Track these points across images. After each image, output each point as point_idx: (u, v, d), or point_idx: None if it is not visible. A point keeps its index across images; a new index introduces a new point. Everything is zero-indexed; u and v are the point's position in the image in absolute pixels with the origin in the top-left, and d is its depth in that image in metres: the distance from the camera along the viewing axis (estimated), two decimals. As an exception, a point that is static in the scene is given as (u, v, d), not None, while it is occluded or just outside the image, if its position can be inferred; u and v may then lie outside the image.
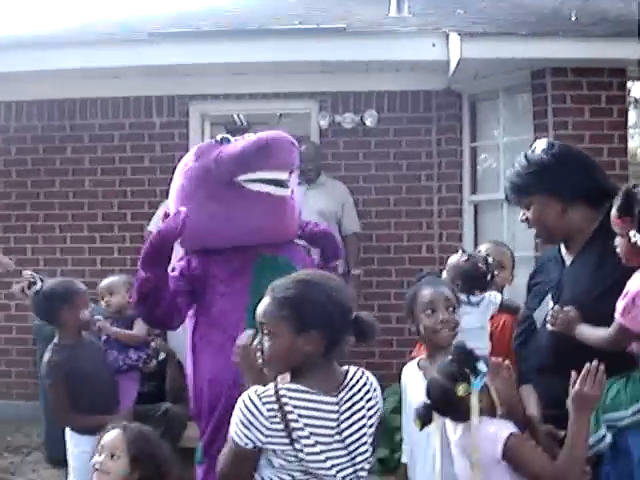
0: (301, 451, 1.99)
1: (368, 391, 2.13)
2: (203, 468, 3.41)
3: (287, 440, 1.99)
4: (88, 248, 6.36)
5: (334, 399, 2.06)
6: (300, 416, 2.00)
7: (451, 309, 2.80)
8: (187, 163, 3.42)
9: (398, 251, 6.01)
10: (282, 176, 3.24)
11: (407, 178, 6.12)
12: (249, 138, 3.28)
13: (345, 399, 2.07)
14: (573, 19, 5.82)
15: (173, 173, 6.08)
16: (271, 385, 2.07)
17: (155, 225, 5.98)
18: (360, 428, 2.06)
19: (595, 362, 2.19)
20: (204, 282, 3.26)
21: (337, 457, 2.03)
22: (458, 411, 2.30)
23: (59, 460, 4.72)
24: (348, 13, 6.61)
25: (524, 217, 2.69)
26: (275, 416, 2.00)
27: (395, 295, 5.85)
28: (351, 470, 2.05)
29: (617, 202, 2.29)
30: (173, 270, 3.28)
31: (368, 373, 2.19)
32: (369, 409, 2.11)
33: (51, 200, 6.39)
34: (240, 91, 6.27)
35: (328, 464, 2.01)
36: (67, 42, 5.96)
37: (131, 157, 6.34)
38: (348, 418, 2.06)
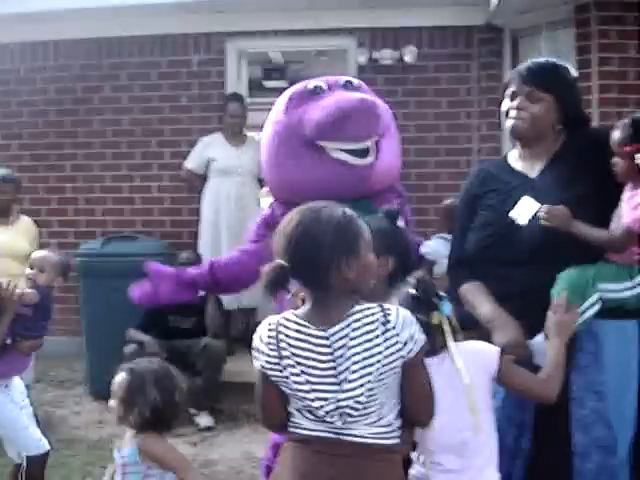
0: (287, 378, 2.03)
1: (377, 329, 1.99)
2: None
3: (279, 367, 2.04)
4: (127, 187, 6.41)
5: (323, 333, 2.02)
6: (289, 345, 2.03)
7: None
8: (278, 111, 3.40)
9: (437, 189, 5.96)
10: (362, 146, 3.22)
11: (447, 115, 6.04)
12: (333, 100, 3.21)
13: (339, 335, 2.01)
14: (620, -50, 5.64)
15: (210, 111, 6.17)
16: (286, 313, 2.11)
17: (191, 161, 6.03)
18: (355, 364, 1.98)
19: (564, 293, 2.46)
20: None
21: (325, 390, 2.00)
22: (434, 342, 2.24)
23: (102, 394, 4.84)
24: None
25: (523, 105, 2.68)
26: (271, 343, 2.05)
27: (433, 234, 5.81)
28: (334, 406, 2.00)
29: (624, 129, 2.49)
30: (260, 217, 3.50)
31: (395, 311, 2.03)
32: (374, 347, 1.98)
33: (90, 139, 6.44)
34: (277, 27, 6.21)
35: (312, 395, 2.01)
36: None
37: (168, 96, 6.34)
38: (343, 354, 2.00)
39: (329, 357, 2.01)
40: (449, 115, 6.05)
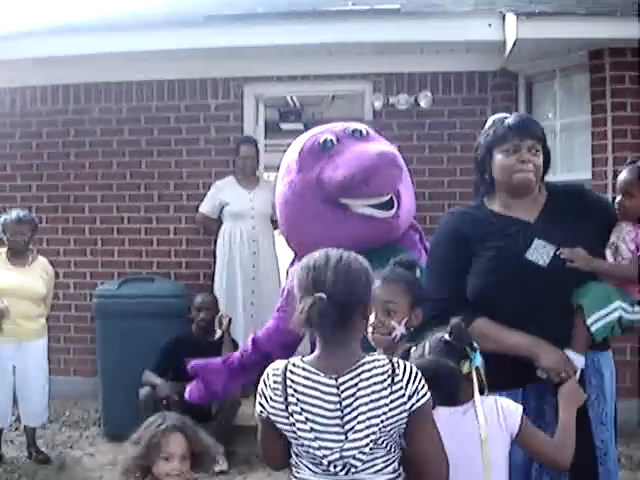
0: (293, 425, 2.01)
1: (385, 381, 1.99)
2: None
3: (285, 413, 2.02)
4: (145, 228, 6.47)
5: (333, 381, 2.00)
6: (296, 391, 2.02)
7: None
8: (290, 170, 3.39)
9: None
10: (386, 198, 3.27)
11: (461, 160, 6.07)
12: (350, 160, 3.22)
13: (349, 384, 1.99)
14: (632, -2, 5.70)
15: (227, 154, 6.24)
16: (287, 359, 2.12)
17: (205, 206, 6.07)
18: (362, 415, 1.97)
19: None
20: None
21: (330, 440, 1.99)
22: (460, 391, 2.28)
23: (116, 435, 4.86)
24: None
25: (527, 157, 2.73)
26: (277, 389, 2.04)
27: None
28: (338, 456, 1.98)
29: (632, 170, 2.77)
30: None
31: (403, 365, 2.04)
32: (381, 398, 1.98)
33: (109, 181, 6.51)
34: (293, 73, 6.30)
35: (316, 444, 2.00)
36: (126, 26, 6.06)
37: (187, 139, 6.42)
38: (351, 404, 1.98)
39: (337, 406, 2.00)
40: (463, 159, 6.07)
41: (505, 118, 2.84)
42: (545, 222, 2.76)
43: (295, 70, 6.26)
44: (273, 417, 2.06)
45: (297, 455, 2.09)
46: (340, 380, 2.00)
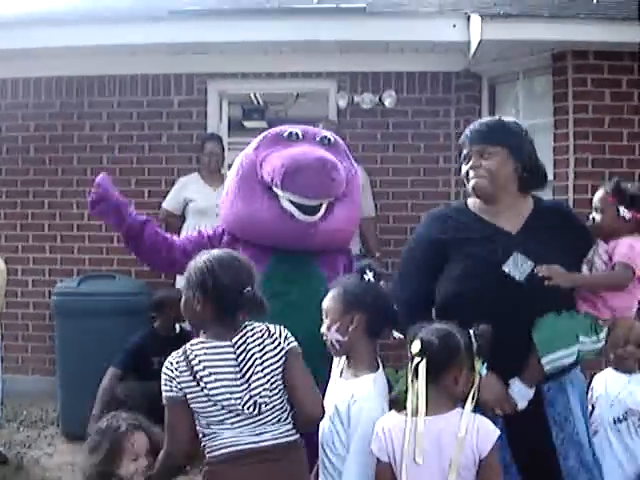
0: (204, 388, 2.43)
1: (264, 335, 2.53)
2: None
3: (194, 383, 2.44)
4: (105, 225, 6.36)
5: (228, 343, 2.50)
6: (200, 361, 2.46)
7: None
8: (250, 147, 3.48)
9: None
10: (312, 203, 3.26)
11: (425, 160, 6.10)
12: (293, 152, 3.27)
13: (240, 342, 2.51)
14: (595, 1, 5.76)
15: (190, 151, 6.19)
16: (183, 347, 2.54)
17: (169, 203, 6.01)
18: (258, 365, 2.48)
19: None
20: None
21: (239, 388, 2.46)
22: (452, 388, 2.38)
23: (75, 434, 4.79)
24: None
25: (478, 163, 2.75)
26: (182, 366, 2.47)
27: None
28: (248, 397, 2.45)
29: (609, 185, 2.88)
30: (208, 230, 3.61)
31: (273, 326, 2.57)
32: (265, 346, 2.51)
33: (69, 177, 6.42)
34: (258, 70, 6.27)
35: (229, 395, 2.44)
36: (86, 19, 5.96)
37: (149, 135, 6.35)
38: (245, 356, 2.49)
39: (236, 362, 2.49)
40: (427, 159, 6.11)
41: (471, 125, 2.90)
42: (526, 236, 2.75)
43: (259, 67, 6.23)
44: (184, 391, 2.46)
45: (210, 425, 2.48)
46: (233, 341, 2.51)
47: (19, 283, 6.32)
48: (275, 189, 3.26)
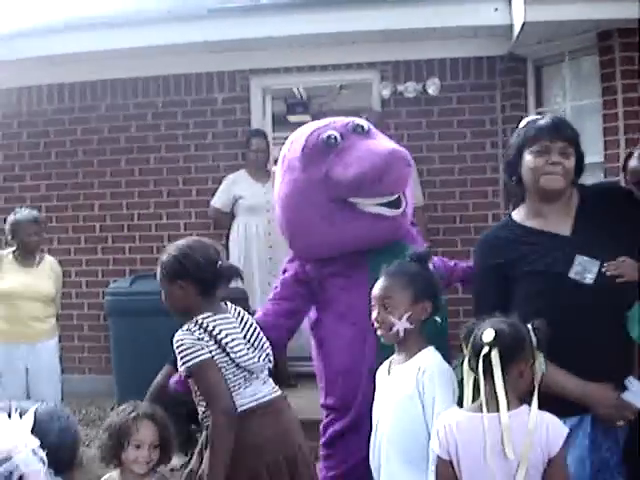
0: (232, 352, 2.74)
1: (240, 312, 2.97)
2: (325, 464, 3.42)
3: (220, 350, 2.73)
4: (155, 225, 6.45)
5: (229, 314, 2.88)
6: (221, 330, 2.75)
7: None
8: (292, 168, 3.31)
9: (464, 220, 5.94)
10: (395, 197, 3.20)
11: (471, 146, 6.03)
12: (362, 157, 3.15)
13: (235, 313, 2.92)
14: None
15: (235, 148, 6.21)
16: (190, 322, 2.80)
17: (218, 200, 6.04)
18: (256, 329, 2.92)
19: None
20: (322, 280, 3.31)
21: (254, 353, 2.83)
22: (518, 382, 2.30)
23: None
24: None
25: (559, 160, 2.64)
26: (204, 337, 2.72)
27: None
28: (262, 357, 2.86)
29: None
30: (285, 272, 3.44)
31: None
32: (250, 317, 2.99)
33: (117, 178, 6.50)
34: (300, 64, 6.26)
35: (248, 357, 2.78)
36: (129, 21, 5.99)
37: (194, 133, 6.40)
38: (245, 324, 2.89)
39: (240, 328, 2.87)
40: (474, 146, 6.03)
41: (538, 118, 2.76)
42: (583, 234, 2.66)
43: (301, 61, 6.22)
44: (216, 356, 2.71)
45: (232, 386, 2.76)
46: (231, 313, 2.91)
47: (73, 285, 6.42)
48: (353, 199, 3.15)
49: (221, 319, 2.79)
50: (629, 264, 2.54)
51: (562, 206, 2.72)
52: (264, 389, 2.86)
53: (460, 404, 2.42)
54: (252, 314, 5.19)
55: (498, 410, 2.23)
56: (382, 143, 3.27)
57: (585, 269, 2.56)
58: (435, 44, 5.99)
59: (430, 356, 2.61)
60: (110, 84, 6.49)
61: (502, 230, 2.84)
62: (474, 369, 2.31)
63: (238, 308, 2.97)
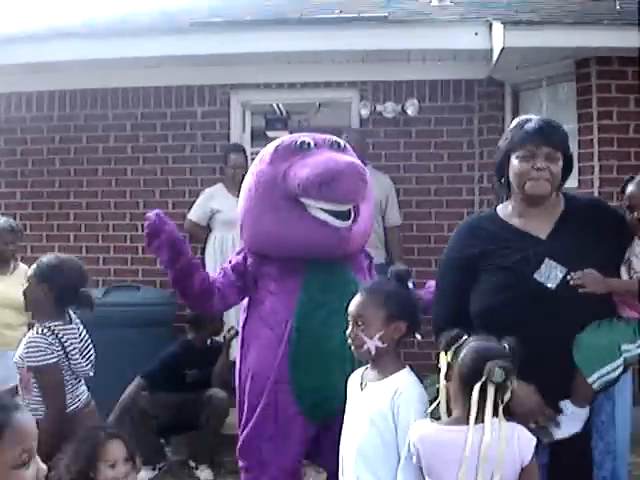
0: (71, 361, 3.28)
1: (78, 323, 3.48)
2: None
3: (65, 357, 3.25)
4: (130, 236, 6.42)
5: (74, 325, 3.41)
6: (69, 340, 3.27)
7: None
8: (262, 160, 3.41)
9: (438, 241, 5.95)
10: (344, 208, 3.24)
11: (448, 168, 6.09)
12: (320, 161, 3.23)
13: (77, 326, 3.43)
14: (618, 7, 5.72)
15: (214, 162, 6.21)
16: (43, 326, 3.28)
17: (194, 214, 6.03)
18: (87, 341, 3.46)
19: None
20: (257, 278, 3.37)
21: (84, 360, 3.38)
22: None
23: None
24: (389, 1, 6.56)
25: (544, 165, 2.64)
26: (57, 343, 3.23)
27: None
28: (89, 364, 3.43)
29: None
30: (230, 262, 3.49)
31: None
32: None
33: (94, 188, 6.47)
34: (280, 80, 6.29)
35: (82, 365, 3.35)
36: (109, 32, 6.01)
37: (173, 146, 6.40)
38: (82, 336, 3.43)
39: (79, 339, 3.40)
40: (451, 167, 6.09)
41: (527, 121, 2.75)
42: (558, 240, 2.68)
43: (282, 77, 6.25)
44: (59, 362, 3.28)
45: (74, 383, 3.36)
46: (74, 324, 3.46)
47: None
48: (304, 200, 3.20)
49: (69, 330, 3.33)
50: (594, 277, 2.56)
51: (545, 211, 2.74)
52: (84, 391, 3.42)
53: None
54: (224, 327, 5.27)
55: (476, 423, 2.27)
56: (347, 157, 3.32)
57: (550, 273, 2.59)
58: (415, 65, 6.06)
59: (407, 379, 2.60)
60: (90, 93, 6.47)
61: (485, 221, 2.87)
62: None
63: (77, 320, 3.48)
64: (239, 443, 3.45)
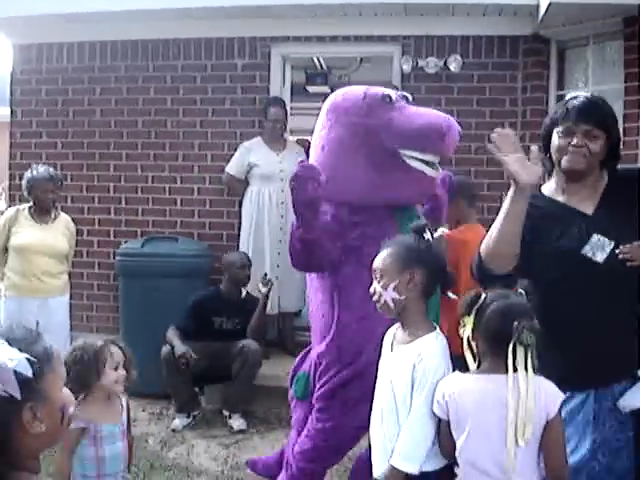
0: None
1: None
2: (305, 406, 3.48)
3: None
4: (169, 188, 6.46)
5: None
6: None
7: None
8: (351, 111, 3.37)
9: (479, 200, 5.91)
10: (437, 159, 3.35)
11: (490, 125, 5.90)
12: (425, 114, 3.33)
13: None
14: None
15: (253, 115, 6.19)
16: None
17: (232, 167, 6.04)
18: None
19: None
20: (351, 226, 3.36)
21: None
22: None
23: (137, 392, 4.89)
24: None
25: (582, 143, 2.65)
26: None
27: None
28: None
29: None
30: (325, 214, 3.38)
31: None
32: None
33: (133, 140, 6.50)
34: (321, 33, 6.21)
35: None
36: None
37: (212, 98, 6.38)
38: None
39: None
40: (493, 125, 5.95)
41: (573, 98, 2.75)
42: (604, 214, 2.67)
43: (323, 31, 6.17)
44: None
45: None
46: None
47: (85, 244, 6.45)
48: (403, 150, 3.26)
49: None
50: None
51: (587, 186, 2.73)
52: None
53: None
54: (268, 281, 5.32)
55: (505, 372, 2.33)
56: (438, 112, 3.41)
57: (598, 248, 2.59)
58: (458, 20, 5.94)
59: (432, 344, 2.59)
60: (130, 45, 6.47)
61: (532, 199, 2.80)
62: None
63: None
64: (325, 387, 3.37)
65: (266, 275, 5.45)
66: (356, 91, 3.44)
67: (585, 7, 5.31)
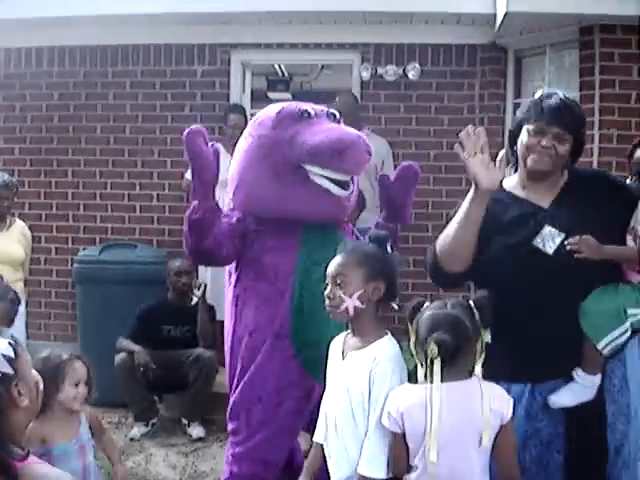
0: None
1: None
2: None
3: None
4: (128, 194, 6.42)
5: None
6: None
7: None
8: (263, 124, 3.39)
9: (436, 206, 5.95)
10: (346, 178, 3.27)
11: (448, 133, 6.03)
12: (330, 130, 3.26)
13: None
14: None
15: (213, 121, 6.18)
16: None
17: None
18: None
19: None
20: (253, 235, 3.34)
21: None
22: (467, 360, 2.39)
23: (96, 400, 4.85)
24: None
25: (550, 144, 2.67)
26: None
27: (431, 251, 5.83)
28: None
29: None
30: (227, 216, 3.41)
31: None
32: None
33: (92, 146, 6.45)
34: (281, 41, 6.22)
35: None
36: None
37: (172, 105, 6.35)
38: None
39: None
40: (451, 132, 6.04)
41: (548, 96, 2.76)
42: (558, 208, 2.71)
43: (283, 38, 6.18)
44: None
45: None
46: None
47: (43, 251, 6.38)
48: (308, 166, 3.21)
49: None
50: (589, 243, 2.57)
51: (548, 183, 2.78)
52: None
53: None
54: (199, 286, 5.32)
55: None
56: (354, 130, 3.33)
57: (549, 239, 2.63)
58: (417, 29, 5.99)
59: (386, 347, 2.59)
60: (90, 50, 6.41)
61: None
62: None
63: None
64: (229, 405, 3.45)
65: (197, 280, 5.46)
66: (279, 106, 3.44)
67: (542, 16, 5.39)
